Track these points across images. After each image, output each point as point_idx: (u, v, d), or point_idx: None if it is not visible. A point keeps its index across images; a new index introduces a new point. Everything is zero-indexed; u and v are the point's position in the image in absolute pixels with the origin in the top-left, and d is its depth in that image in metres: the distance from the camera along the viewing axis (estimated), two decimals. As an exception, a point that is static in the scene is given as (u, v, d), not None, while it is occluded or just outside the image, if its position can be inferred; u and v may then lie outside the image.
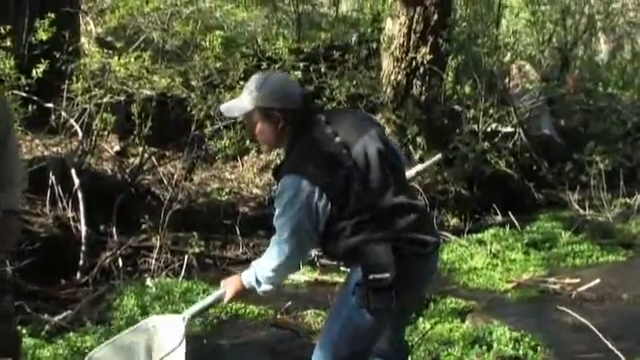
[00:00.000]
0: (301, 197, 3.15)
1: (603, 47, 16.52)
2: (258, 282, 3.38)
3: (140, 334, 3.60)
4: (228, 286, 3.53)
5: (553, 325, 5.69)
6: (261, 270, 3.37)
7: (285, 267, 3.35)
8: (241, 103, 3.34)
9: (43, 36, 7.49)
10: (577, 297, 6.36)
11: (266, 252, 3.37)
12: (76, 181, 7.27)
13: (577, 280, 6.63)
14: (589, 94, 12.62)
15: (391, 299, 3.20)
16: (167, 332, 3.53)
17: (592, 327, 4.80)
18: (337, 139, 3.25)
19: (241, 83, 8.05)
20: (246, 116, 3.36)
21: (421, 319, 5.73)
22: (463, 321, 5.77)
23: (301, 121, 3.30)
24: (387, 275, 3.16)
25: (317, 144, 3.26)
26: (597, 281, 6.47)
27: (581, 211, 9.31)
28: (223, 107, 3.49)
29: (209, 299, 3.70)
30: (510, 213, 8.94)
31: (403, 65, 10.17)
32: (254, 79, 3.37)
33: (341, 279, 5.73)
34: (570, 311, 5.33)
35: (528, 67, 13.03)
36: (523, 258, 7.63)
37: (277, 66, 8.61)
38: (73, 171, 7.34)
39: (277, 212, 3.24)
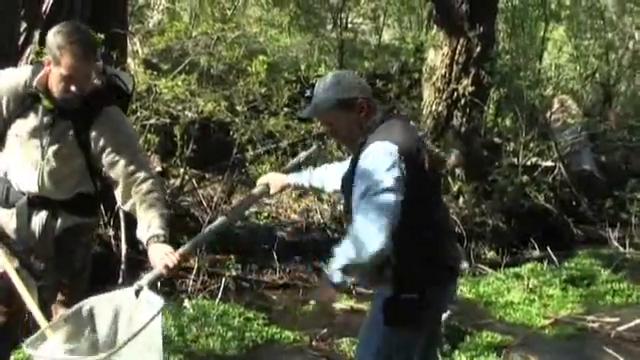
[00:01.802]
0: (397, 163, 3.11)
1: (647, 83, 16.43)
2: (346, 271, 3.08)
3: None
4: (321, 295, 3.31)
5: (591, 364, 5.64)
6: (349, 250, 3.06)
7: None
8: (322, 102, 3.34)
9: (92, 55, 7.61)
10: (616, 336, 6.29)
11: (358, 233, 3.06)
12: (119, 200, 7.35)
13: (616, 319, 6.56)
14: (631, 130, 12.54)
15: (420, 319, 3.23)
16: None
17: (632, 368, 4.75)
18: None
19: (285, 110, 8.15)
20: (330, 111, 3.33)
21: (457, 352, 5.71)
22: (499, 356, 5.73)
23: (375, 109, 3.36)
24: (416, 296, 3.19)
25: (404, 126, 3.32)
26: (637, 321, 6.40)
27: (621, 249, 9.23)
28: (305, 112, 3.47)
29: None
30: (548, 248, 8.88)
31: (444, 96, 10.19)
32: (325, 80, 3.40)
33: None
34: (611, 351, 5.27)
35: (570, 102, 12.99)
36: (561, 294, 7.56)
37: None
38: (116, 190, 7.42)
39: (368, 170, 3.13)
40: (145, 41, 10.11)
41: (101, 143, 3.51)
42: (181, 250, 3.44)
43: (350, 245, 3.04)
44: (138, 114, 7.65)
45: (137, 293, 3.18)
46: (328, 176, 3.84)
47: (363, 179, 3.10)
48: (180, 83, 7.64)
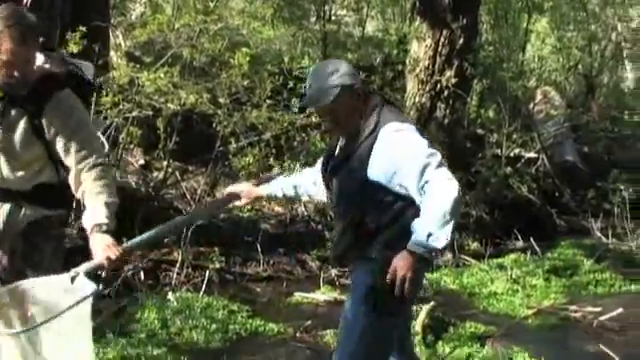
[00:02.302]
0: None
1: (629, 75, 16.52)
2: (444, 225, 3.05)
3: None
4: (400, 269, 3.08)
5: (574, 353, 5.69)
6: (445, 205, 3.06)
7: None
8: (322, 90, 3.34)
9: (74, 49, 7.55)
10: (598, 326, 6.33)
11: (433, 186, 3.09)
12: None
13: (599, 309, 6.60)
14: (614, 121, 12.63)
15: (405, 305, 3.31)
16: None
17: (614, 356, 4.78)
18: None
19: (268, 102, 8.13)
20: (332, 99, 3.32)
21: (440, 343, 5.74)
22: (482, 346, 5.76)
23: (369, 96, 3.43)
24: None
25: (400, 113, 3.46)
26: (619, 310, 6.43)
27: (604, 239, 9.29)
28: (307, 101, 3.47)
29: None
30: (531, 239, 8.93)
31: (428, 88, 10.20)
32: (321, 69, 3.44)
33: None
34: (593, 340, 5.30)
35: (553, 93, 13.05)
36: (544, 284, 7.61)
37: (303, 85, 8.66)
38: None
39: (408, 143, 3.20)
40: (127, 34, 10.07)
41: (53, 129, 3.42)
42: (127, 245, 3.39)
43: (439, 203, 3.07)
44: (121, 107, 7.62)
45: (72, 279, 3.14)
46: (302, 182, 3.83)
47: (408, 157, 3.16)
48: (162, 75, 7.62)
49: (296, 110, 8.54)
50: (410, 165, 3.14)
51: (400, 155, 3.18)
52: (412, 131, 3.27)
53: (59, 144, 3.42)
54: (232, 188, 4.05)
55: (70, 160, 3.42)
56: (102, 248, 3.19)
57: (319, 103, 3.39)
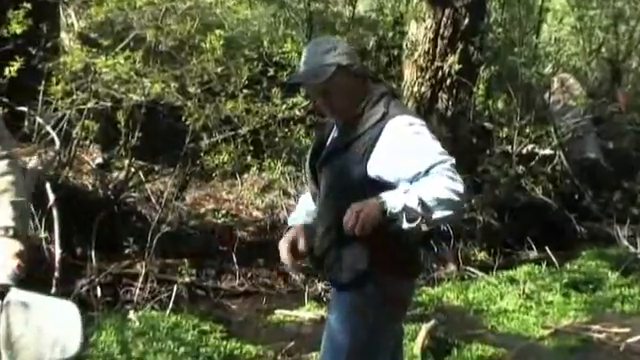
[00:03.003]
0: None
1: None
2: (425, 207, 3.05)
3: None
4: (358, 207, 3.07)
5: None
6: (435, 191, 3.08)
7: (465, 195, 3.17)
8: (319, 67, 3.37)
9: (17, 29, 7.52)
10: (626, 349, 6.35)
11: (436, 180, 3.12)
12: (51, 197, 7.29)
13: (626, 330, 6.63)
14: (643, 113, 12.66)
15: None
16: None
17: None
18: None
19: (244, 91, 8.14)
20: (330, 76, 3.34)
21: (443, 367, 5.77)
22: (491, 371, 5.80)
23: (368, 80, 3.50)
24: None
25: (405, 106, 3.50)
26: (650, 331, 6.48)
27: (631, 248, 9.31)
28: (298, 77, 3.56)
29: None
30: (547, 248, 8.97)
31: (428, 75, 10.22)
32: (319, 44, 3.50)
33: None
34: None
35: (572, 80, 13.10)
36: (562, 301, 7.64)
37: (286, 73, 8.68)
38: (48, 185, 7.37)
39: (421, 139, 3.25)
40: (81, 12, 10.03)
41: None
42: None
43: (435, 186, 3.09)
44: (74, 97, 7.62)
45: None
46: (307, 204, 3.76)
47: (417, 154, 3.18)
48: (123, 61, 7.61)
49: (286, 91, 8.54)
50: (417, 161, 3.16)
51: (408, 152, 3.20)
52: (425, 128, 3.32)
53: None
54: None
55: None
56: (10, 256, 3.10)
57: (311, 81, 3.45)
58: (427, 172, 3.12)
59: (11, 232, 3.09)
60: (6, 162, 3.29)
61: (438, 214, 3.07)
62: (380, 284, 3.29)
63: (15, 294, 2.95)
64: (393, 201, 3.04)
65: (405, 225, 3.03)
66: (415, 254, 3.49)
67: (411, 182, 3.15)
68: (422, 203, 3.02)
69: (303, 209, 3.74)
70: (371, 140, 3.28)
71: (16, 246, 3.07)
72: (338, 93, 3.38)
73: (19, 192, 3.24)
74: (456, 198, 3.08)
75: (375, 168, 3.26)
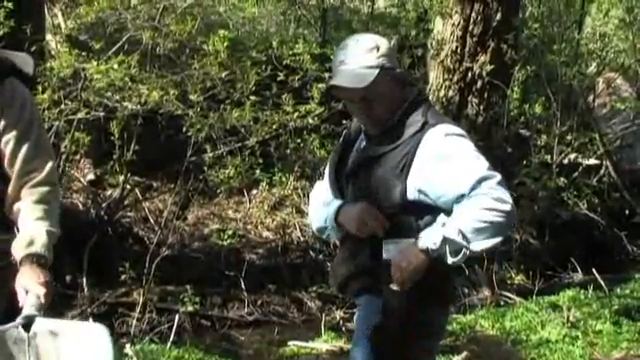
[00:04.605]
0: None
1: None
2: (466, 238, 3.18)
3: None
4: (401, 263, 3.24)
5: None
6: (477, 217, 3.19)
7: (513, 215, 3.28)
8: (361, 69, 3.39)
9: (-2, 31, 7.56)
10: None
11: (480, 202, 3.21)
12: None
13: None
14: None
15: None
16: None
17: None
18: None
19: (252, 98, 8.16)
20: (374, 80, 3.37)
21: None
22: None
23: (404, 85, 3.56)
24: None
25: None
26: None
27: (691, 271, 9.28)
28: (339, 79, 3.46)
29: None
30: (594, 270, 8.93)
31: (456, 78, 10.24)
32: (358, 41, 3.49)
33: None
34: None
35: (620, 81, 13.06)
36: (612, 330, 7.60)
37: (297, 77, 8.70)
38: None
39: (463, 154, 3.31)
40: (69, 12, 10.09)
41: (4, 121, 3.43)
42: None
43: (484, 210, 3.19)
44: (62, 106, 7.64)
45: (26, 327, 3.15)
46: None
47: (460, 170, 3.25)
48: (117, 66, 7.64)
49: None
50: (460, 180, 3.23)
51: (449, 169, 3.26)
52: (467, 140, 3.36)
53: (7, 143, 3.42)
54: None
55: (15, 167, 3.43)
56: (36, 284, 3.21)
57: (352, 84, 3.41)
58: (470, 192, 3.19)
59: (42, 261, 3.26)
60: (47, 189, 3.40)
61: (482, 243, 3.18)
62: (412, 313, 3.34)
63: (41, 324, 3.09)
64: (432, 237, 3.18)
65: (450, 260, 3.17)
66: (446, 279, 3.49)
67: (453, 204, 3.23)
68: (462, 234, 3.14)
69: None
70: (410, 153, 3.32)
71: (43, 276, 3.20)
72: (379, 99, 3.41)
73: (54, 223, 3.37)
74: (502, 220, 3.18)
75: (415, 183, 3.30)
